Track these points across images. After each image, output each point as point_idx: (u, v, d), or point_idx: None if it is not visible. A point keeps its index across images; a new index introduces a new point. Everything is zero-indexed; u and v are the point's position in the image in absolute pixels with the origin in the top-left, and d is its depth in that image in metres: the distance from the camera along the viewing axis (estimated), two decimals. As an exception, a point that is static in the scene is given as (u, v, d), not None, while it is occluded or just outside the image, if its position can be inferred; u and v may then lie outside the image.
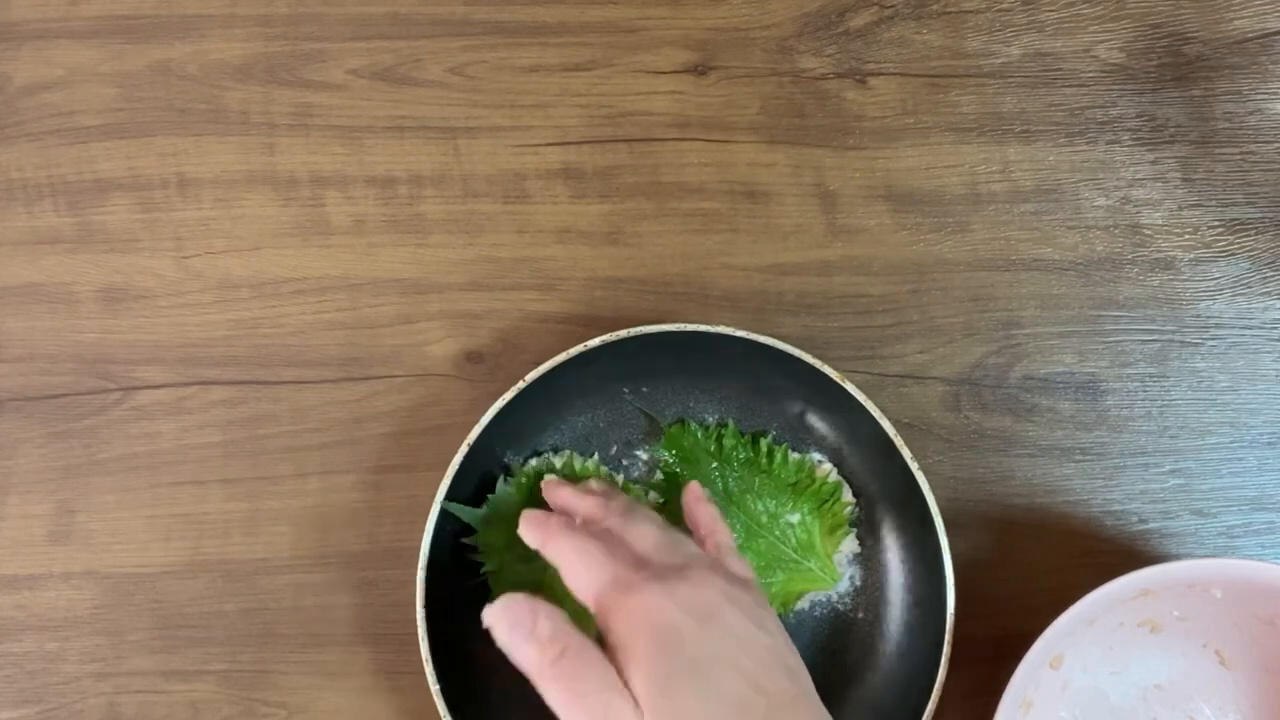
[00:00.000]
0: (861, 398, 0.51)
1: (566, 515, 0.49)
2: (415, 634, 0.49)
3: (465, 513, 0.52)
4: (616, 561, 0.44)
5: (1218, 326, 0.58)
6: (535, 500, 0.53)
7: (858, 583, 0.54)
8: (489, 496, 0.53)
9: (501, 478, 0.53)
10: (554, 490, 0.52)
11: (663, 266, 0.58)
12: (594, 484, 0.52)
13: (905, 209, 0.58)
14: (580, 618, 0.44)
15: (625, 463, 0.55)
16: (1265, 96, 0.60)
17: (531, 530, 0.47)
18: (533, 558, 0.53)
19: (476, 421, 0.51)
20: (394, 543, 0.55)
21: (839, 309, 0.57)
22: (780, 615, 0.54)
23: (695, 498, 0.50)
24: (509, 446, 0.54)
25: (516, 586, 0.52)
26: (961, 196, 0.59)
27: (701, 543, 0.49)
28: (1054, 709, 0.52)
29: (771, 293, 0.58)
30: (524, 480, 0.54)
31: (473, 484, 0.53)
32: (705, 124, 0.59)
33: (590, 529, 0.47)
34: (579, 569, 0.44)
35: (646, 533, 0.46)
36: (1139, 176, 0.59)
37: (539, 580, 0.53)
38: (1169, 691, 0.53)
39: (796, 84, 0.59)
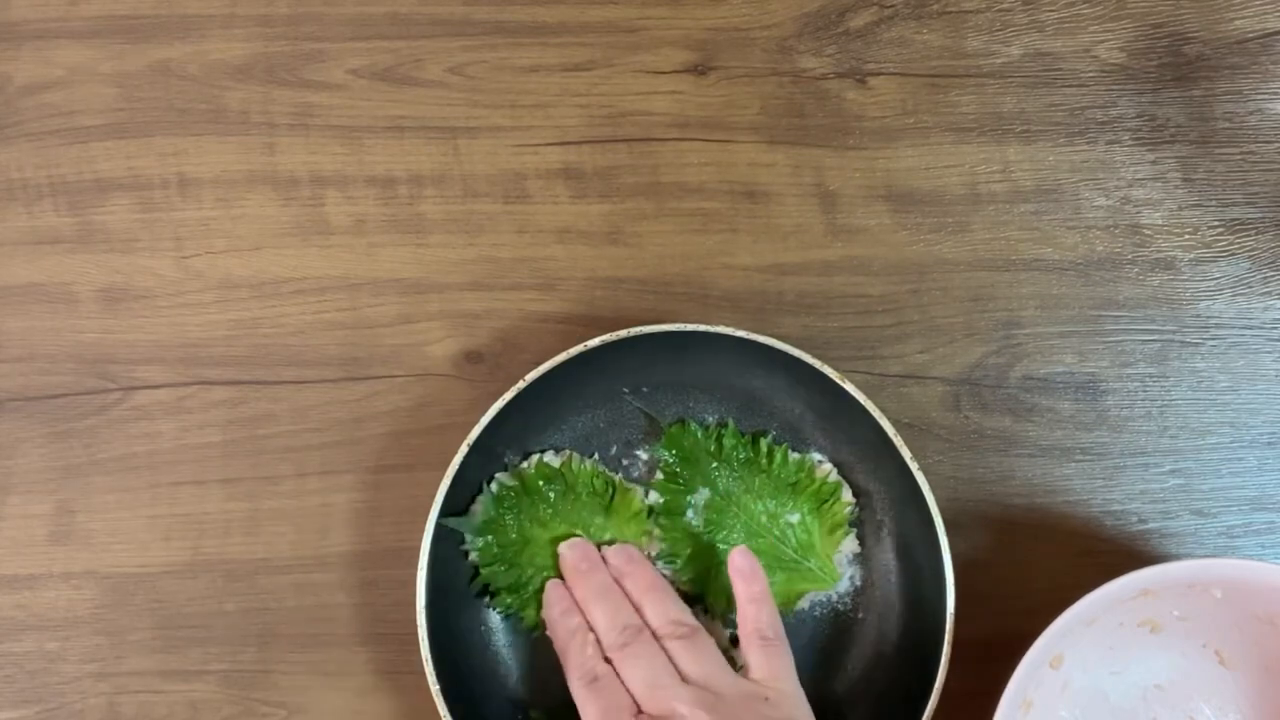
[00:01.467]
0: (861, 398, 0.51)
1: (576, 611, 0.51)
2: (415, 634, 0.49)
3: (458, 523, 0.52)
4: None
5: (1218, 326, 0.58)
6: (526, 503, 0.53)
7: (858, 583, 0.54)
8: (478, 498, 0.53)
9: (485, 483, 0.53)
10: (570, 576, 0.52)
11: (663, 266, 0.58)
12: (613, 557, 0.52)
13: (905, 209, 0.58)
14: None
15: (625, 463, 0.55)
16: (1265, 96, 0.60)
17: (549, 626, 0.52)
18: (524, 562, 0.53)
19: (476, 421, 0.51)
20: (394, 543, 0.55)
21: (839, 309, 0.57)
22: (780, 615, 0.54)
23: (740, 563, 0.51)
24: (509, 446, 0.54)
25: (513, 588, 0.53)
26: (961, 196, 0.59)
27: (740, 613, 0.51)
28: (1054, 709, 0.52)
29: (771, 293, 0.57)
30: (513, 482, 0.53)
31: (473, 484, 0.53)
32: (705, 124, 0.59)
33: (590, 664, 0.49)
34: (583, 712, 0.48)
35: (639, 670, 0.48)
36: (1139, 176, 0.59)
37: (530, 581, 0.53)
38: (1169, 691, 0.53)
39: (796, 84, 0.59)
